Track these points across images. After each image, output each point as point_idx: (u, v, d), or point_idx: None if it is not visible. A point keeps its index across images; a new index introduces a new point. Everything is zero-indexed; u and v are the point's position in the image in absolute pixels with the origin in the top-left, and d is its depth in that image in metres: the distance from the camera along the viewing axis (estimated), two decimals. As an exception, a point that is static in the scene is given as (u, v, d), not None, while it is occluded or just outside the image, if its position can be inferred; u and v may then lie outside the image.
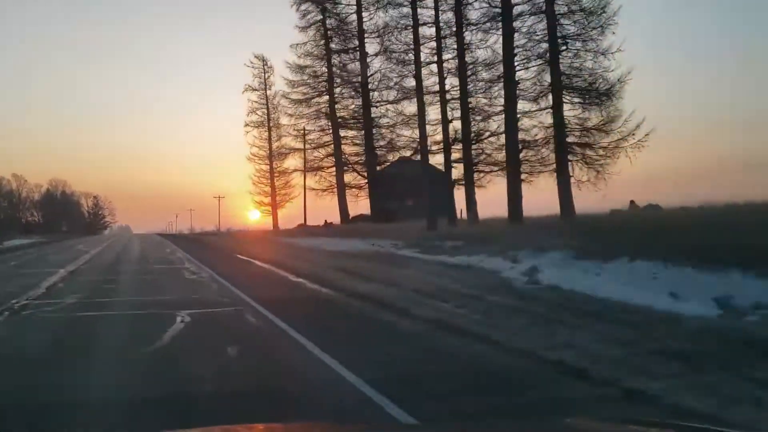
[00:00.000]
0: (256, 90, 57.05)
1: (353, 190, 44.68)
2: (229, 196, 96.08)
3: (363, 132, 42.44)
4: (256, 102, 56.82)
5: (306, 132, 46.32)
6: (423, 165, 27.61)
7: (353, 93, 42.86)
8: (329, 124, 44.85)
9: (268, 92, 56.83)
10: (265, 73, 56.98)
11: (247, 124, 56.36)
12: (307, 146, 46.55)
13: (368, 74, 39.23)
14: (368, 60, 39.26)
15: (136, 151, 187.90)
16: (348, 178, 44.63)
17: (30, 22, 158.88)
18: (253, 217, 67.69)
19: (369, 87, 39.46)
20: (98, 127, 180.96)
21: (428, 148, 29.23)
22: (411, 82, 29.60)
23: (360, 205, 45.24)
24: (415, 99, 28.69)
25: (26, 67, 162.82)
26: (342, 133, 44.40)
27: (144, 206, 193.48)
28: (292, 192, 56.07)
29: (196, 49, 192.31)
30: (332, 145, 44.65)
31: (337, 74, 43.02)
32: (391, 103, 38.11)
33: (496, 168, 27.67)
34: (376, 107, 40.06)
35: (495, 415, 4.28)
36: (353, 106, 43.67)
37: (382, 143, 41.29)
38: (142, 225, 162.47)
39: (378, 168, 41.98)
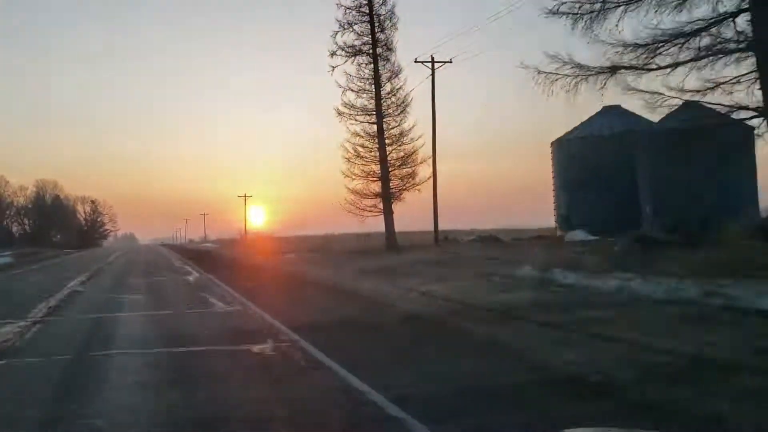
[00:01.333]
0: (351, -8, 31.78)
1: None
2: (235, 201, 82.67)
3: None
4: (352, 11, 30.69)
5: None
6: None
7: None
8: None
9: (375, -6, 31.77)
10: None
11: (333, 53, 30.75)
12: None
13: None
14: None
15: (139, 151, 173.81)
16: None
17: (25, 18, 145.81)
18: (258, 222, 52.91)
19: None
20: (94, 123, 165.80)
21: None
22: None
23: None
24: None
25: (12, 60, 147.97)
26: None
27: (149, 211, 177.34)
28: (418, 172, 31.79)
29: (202, 40, 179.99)
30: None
31: None
32: None
33: None
34: None
35: None
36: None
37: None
38: (148, 233, 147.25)
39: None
